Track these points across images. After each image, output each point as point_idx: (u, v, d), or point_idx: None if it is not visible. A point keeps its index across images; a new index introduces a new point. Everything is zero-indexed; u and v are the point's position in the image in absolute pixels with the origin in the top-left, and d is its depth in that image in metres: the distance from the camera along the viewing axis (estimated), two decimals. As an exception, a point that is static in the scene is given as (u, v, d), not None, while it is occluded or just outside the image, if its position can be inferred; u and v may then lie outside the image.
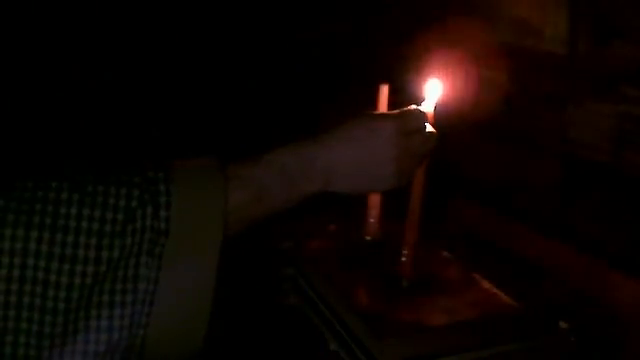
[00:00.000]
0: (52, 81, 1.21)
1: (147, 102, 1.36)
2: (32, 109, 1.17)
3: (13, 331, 0.51)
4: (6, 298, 0.51)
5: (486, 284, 0.84)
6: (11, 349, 0.52)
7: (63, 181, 0.54)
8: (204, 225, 0.57)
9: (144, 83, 1.34)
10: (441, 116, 0.78)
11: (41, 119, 1.17)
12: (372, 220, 0.93)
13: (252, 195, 0.61)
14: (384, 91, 0.89)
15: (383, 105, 0.89)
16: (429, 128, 0.71)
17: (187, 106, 1.42)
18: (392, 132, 0.66)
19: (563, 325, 0.79)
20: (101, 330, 0.53)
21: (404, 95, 0.84)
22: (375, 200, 0.91)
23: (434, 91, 0.78)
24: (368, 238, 0.93)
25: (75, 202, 0.53)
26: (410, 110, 0.70)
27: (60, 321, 0.52)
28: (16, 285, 0.51)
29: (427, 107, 0.78)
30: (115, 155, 1.18)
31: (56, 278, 0.52)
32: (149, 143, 1.25)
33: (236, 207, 0.59)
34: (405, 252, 0.83)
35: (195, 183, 0.58)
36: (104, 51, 1.29)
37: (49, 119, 1.19)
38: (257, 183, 0.61)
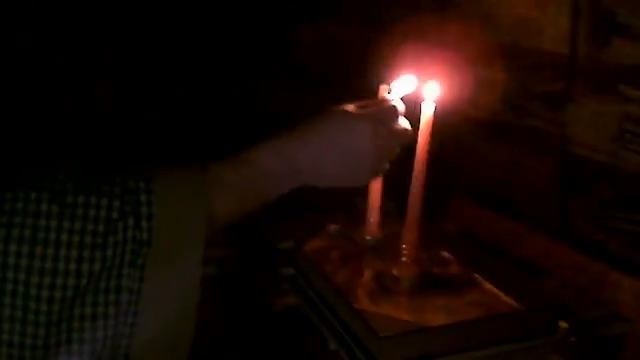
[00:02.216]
0: (43, 78, 1.21)
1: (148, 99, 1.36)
2: (23, 108, 1.18)
3: None
4: None
5: (486, 284, 0.84)
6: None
7: (42, 192, 0.53)
8: (186, 235, 0.56)
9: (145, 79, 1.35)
10: (441, 116, 0.78)
11: (32, 116, 1.17)
12: (372, 220, 0.93)
13: (234, 200, 0.61)
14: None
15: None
16: (403, 120, 0.73)
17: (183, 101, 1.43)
18: (368, 130, 0.68)
19: (563, 325, 0.79)
20: (84, 342, 0.53)
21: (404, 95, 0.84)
22: (375, 200, 0.91)
23: (434, 91, 0.78)
24: (368, 238, 0.93)
25: (55, 214, 0.52)
26: (384, 105, 0.72)
27: (42, 334, 0.52)
28: None
29: (427, 107, 0.78)
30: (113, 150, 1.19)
31: (36, 292, 0.51)
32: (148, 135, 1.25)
33: (219, 213, 0.59)
34: (405, 252, 0.83)
35: (177, 192, 0.57)
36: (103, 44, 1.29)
37: (40, 116, 1.19)
38: (239, 187, 0.62)
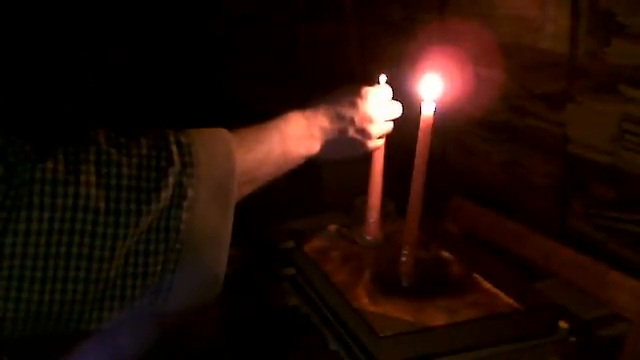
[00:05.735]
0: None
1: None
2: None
3: (62, 279, 0.56)
4: (57, 249, 0.55)
5: (486, 284, 0.84)
6: (60, 296, 0.56)
7: (99, 144, 0.60)
8: (223, 184, 0.64)
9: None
10: (441, 116, 0.78)
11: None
12: (372, 220, 0.92)
13: (257, 159, 0.70)
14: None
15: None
16: (392, 101, 0.83)
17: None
18: (364, 108, 0.80)
19: (563, 325, 0.79)
20: (137, 276, 0.59)
21: (404, 95, 0.84)
22: (375, 200, 0.91)
23: (434, 91, 0.78)
24: (368, 238, 0.93)
25: (114, 162, 0.59)
26: (377, 87, 0.83)
27: (105, 268, 0.57)
28: (67, 237, 0.56)
29: (427, 107, 0.78)
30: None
31: (103, 230, 0.57)
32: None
33: (245, 170, 0.67)
34: (405, 252, 0.83)
35: (211, 147, 0.65)
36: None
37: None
38: (261, 149, 0.71)
